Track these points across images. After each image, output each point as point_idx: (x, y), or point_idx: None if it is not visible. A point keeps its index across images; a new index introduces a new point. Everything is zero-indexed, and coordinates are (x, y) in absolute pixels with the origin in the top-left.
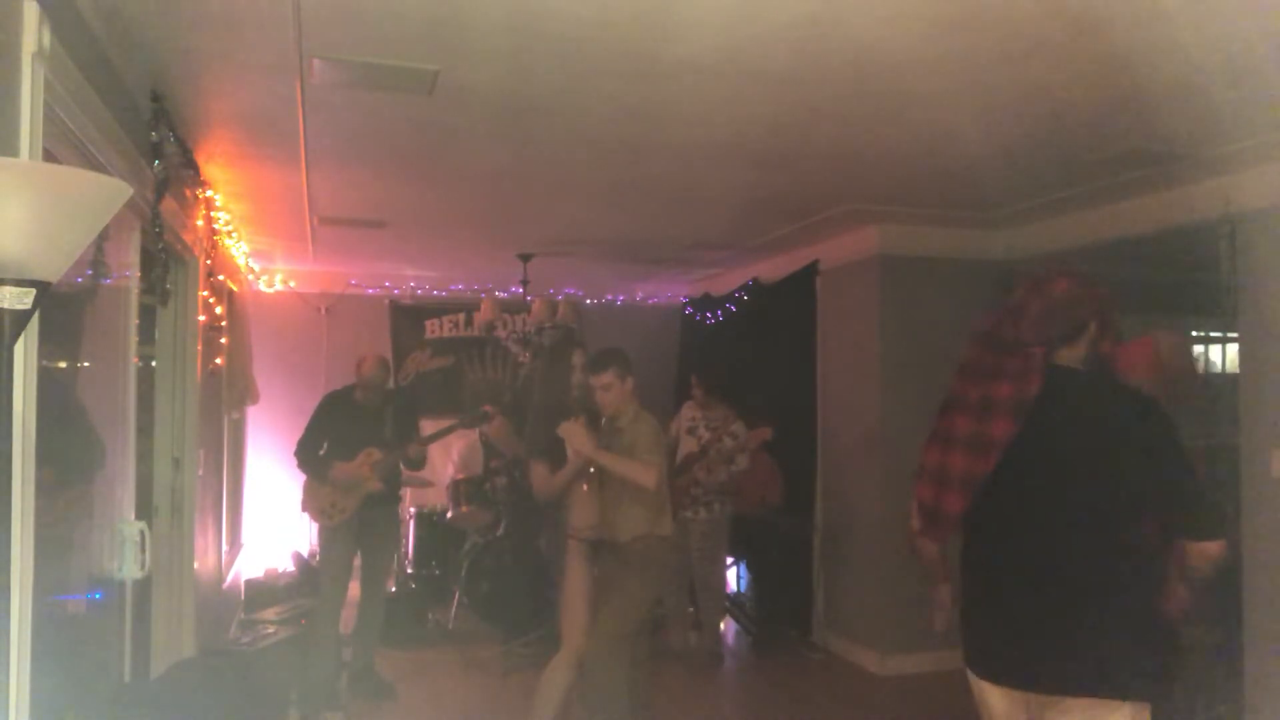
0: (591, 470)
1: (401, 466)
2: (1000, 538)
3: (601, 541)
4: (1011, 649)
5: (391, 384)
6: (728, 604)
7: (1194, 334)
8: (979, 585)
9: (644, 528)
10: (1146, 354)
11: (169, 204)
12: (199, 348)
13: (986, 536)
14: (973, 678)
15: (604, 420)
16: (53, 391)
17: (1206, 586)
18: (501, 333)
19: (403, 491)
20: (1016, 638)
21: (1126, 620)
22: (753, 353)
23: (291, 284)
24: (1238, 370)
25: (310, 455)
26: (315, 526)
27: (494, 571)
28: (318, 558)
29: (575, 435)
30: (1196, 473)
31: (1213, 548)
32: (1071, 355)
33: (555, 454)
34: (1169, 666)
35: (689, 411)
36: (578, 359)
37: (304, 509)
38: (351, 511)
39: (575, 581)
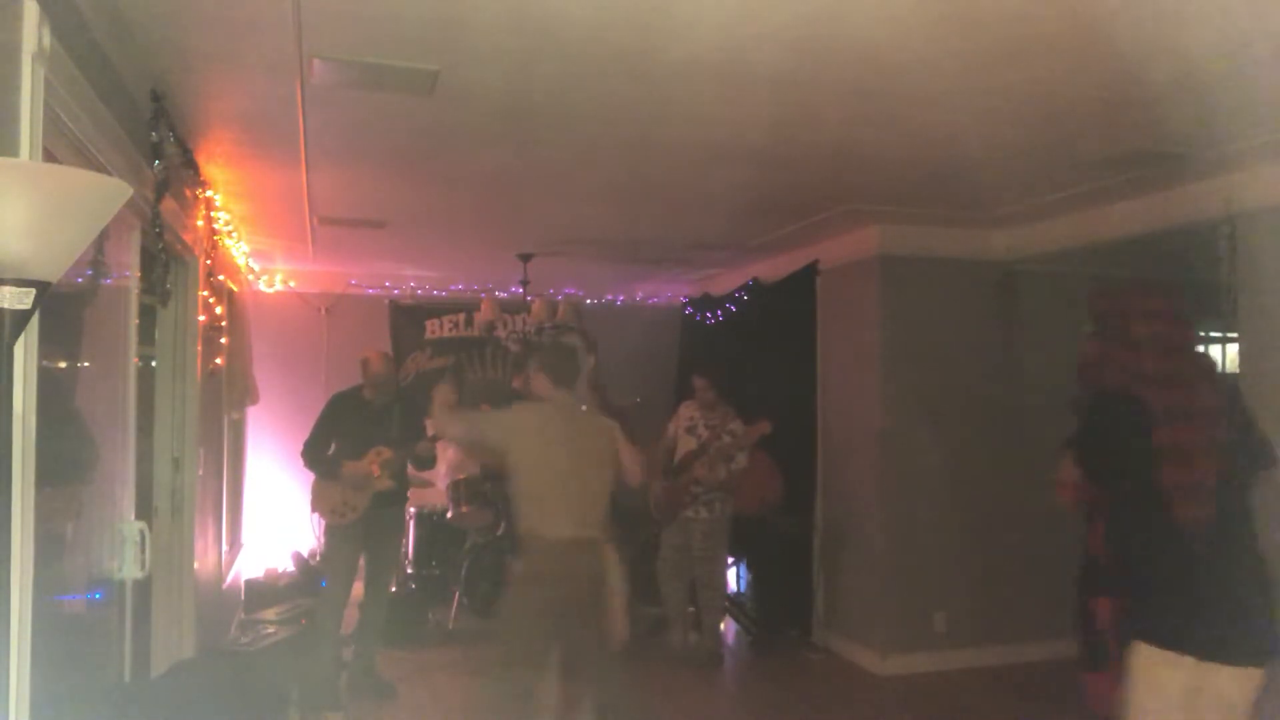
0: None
1: (410, 465)
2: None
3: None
4: (1212, 625)
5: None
6: (728, 604)
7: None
8: (1171, 569)
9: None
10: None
11: (169, 204)
12: (199, 348)
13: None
14: (1157, 658)
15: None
16: (43, 389)
17: None
18: (501, 333)
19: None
20: (1216, 614)
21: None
22: (753, 353)
23: (291, 284)
24: (1237, 370)
25: (319, 455)
26: (320, 527)
27: (494, 571)
28: (320, 557)
29: None
30: None
31: None
32: None
33: None
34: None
35: (688, 411)
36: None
37: (314, 509)
38: (363, 510)
39: None
